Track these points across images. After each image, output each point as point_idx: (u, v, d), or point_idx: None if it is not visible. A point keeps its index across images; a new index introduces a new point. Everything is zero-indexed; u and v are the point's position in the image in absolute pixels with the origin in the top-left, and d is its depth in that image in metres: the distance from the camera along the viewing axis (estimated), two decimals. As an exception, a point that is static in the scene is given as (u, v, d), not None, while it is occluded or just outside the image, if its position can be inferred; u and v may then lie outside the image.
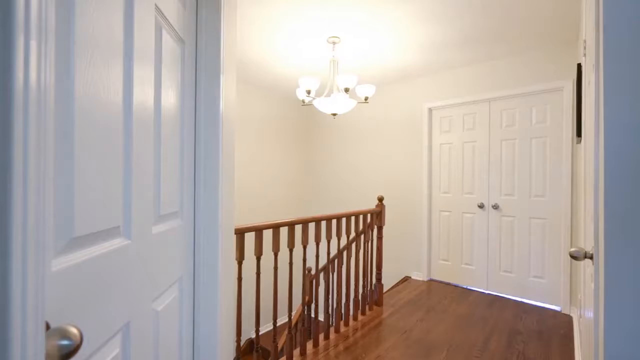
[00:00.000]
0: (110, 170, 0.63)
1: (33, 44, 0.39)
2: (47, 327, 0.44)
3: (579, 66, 1.94)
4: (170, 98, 0.90)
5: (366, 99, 2.70)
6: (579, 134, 1.97)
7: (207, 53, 1.09)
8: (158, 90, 0.83)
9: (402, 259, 3.92)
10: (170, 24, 0.88)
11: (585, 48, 1.43)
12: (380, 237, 2.85)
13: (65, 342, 0.42)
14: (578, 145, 2.37)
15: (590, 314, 1.21)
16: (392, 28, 2.60)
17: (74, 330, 0.43)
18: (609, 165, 0.81)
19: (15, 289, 0.38)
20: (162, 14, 0.84)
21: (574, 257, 1.03)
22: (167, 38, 0.87)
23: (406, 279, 3.81)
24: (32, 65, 0.39)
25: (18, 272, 0.38)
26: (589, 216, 1.32)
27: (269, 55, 3.17)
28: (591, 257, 1.01)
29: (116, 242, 0.66)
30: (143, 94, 0.75)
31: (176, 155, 0.95)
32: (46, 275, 0.47)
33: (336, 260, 3.70)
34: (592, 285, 1.13)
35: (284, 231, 4.41)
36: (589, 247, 1.31)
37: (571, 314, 2.77)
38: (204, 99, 1.09)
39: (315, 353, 2.13)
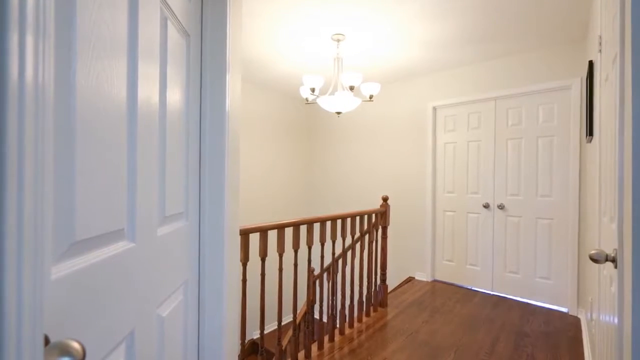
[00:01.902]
0: (114, 169, 0.59)
1: (29, 39, 0.36)
2: (46, 341, 0.40)
3: (591, 63, 1.90)
4: (175, 94, 0.86)
5: (371, 97, 2.66)
6: (590, 132, 1.93)
7: (213, 48, 1.05)
8: (163, 86, 0.79)
9: (406, 259, 3.88)
10: (175, 15, 0.84)
11: (600, 44, 1.39)
12: (384, 238, 2.81)
13: (66, 359, 0.38)
14: (588, 144, 2.33)
15: (608, 319, 1.17)
16: (397, 25, 2.55)
17: (75, 345, 0.39)
18: (637, 164, 0.77)
19: (10, 301, 0.34)
20: (167, 4, 0.80)
21: (594, 259, 0.99)
22: (172, 30, 0.83)
23: (410, 279, 3.77)
24: (29, 61, 0.36)
25: (13, 282, 0.34)
26: (607, 216, 1.28)
27: (271, 52, 3.13)
28: (613, 260, 0.97)
29: (120, 246, 0.62)
30: (148, 89, 0.71)
31: (181, 154, 0.91)
32: (45, 284, 0.43)
33: (340, 261, 3.66)
34: (612, 289, 1.10)
35: (288, 232, 4.37)
36: (605, 249, 1.27)
37: (579, 316, 2.73)
38: (209, 95, 1.05)
39: (320, 356, 2.09)
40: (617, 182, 0.92)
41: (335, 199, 4.62)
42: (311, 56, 3.19)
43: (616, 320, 0.94)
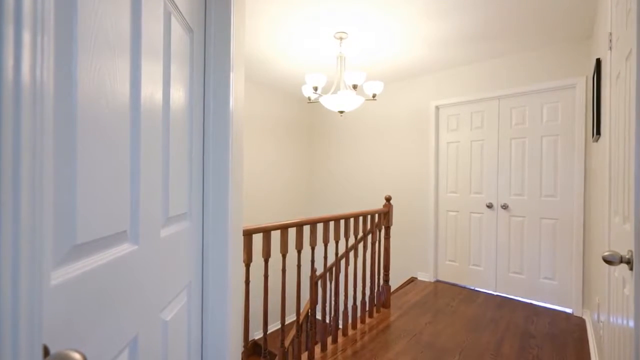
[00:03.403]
0: (116, 168, 0.57)
1: (26, 36, 0.34)
2: (46, 352, 0.38)
3: (598, 61, 1.87)
4: (179, 91, 0.84)
5: (374, 96, 2.63)
6: (597, 131, 1.90)
7: (217, 45, 1.03)
8: (167, 83, 0.77)
9: (408, 259, 3.86)
10: (179, 10, 0.82)
11: (611, 41, 1.36)
12: (387, 238, 2.79)
13: (66, 371, 0.36)
14: (594, 143, 2.30)
15: (620, 321, 1.15)
16: (400, 23, 2.53)
17: (76, 357, 0.36)
18: (656, 163, 0.74)
19: (6, 309, 0.32)
20: (171, -1, 0.78)
21: (607, 261, 0.97)
22: (176, 26, 0.81)
23: (412, 279, 3.75)
24: (26, 56, 0.34)
25: (9, 288, 0.32)
26: (619, 217, 1.25)
27: (273, 51, 3.10)
28: (627, 262, 0.94)
29: (123, 248, 0.60)
30: (151, 85, 0.68)
31: (184, 152, 0.89)
32: (44, 290, 0.41)
33: (343, 261, 3.63)
34: (625, 291, 1.07)
35: (291, 232, 4.34)
36: (618, 250, 1.25)
37: (583, 317, 2.70)
38: (213, 94, 1.02)
39: (323, 357, 2.07)
40: (633, 181, 0.89)
41: (337, 198, 4.59)
42: (313, 55, 3.16)
43: (631, 324, 0.92)
